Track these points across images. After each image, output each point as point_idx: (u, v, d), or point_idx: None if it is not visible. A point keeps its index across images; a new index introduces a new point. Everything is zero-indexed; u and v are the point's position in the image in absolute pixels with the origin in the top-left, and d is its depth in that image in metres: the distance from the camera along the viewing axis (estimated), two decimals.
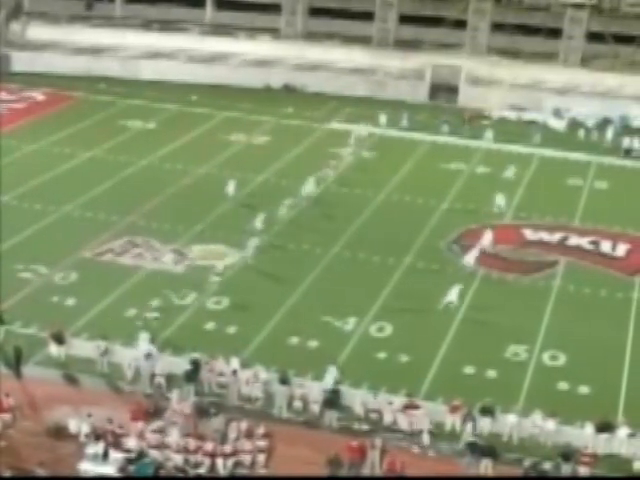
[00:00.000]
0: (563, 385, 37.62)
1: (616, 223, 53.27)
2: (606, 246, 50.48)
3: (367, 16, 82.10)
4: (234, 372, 35.65)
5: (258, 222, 49.30)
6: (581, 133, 69.19)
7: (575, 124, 70.66)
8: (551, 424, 34.02)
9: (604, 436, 33.72)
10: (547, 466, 31.98)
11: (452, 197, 56.04)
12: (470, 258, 47.47)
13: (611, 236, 51.54)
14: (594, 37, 78.39)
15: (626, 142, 66.91)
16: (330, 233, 50.03)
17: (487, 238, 49.65)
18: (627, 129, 69.29)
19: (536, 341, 40.81)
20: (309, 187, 54.93)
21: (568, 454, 32.40)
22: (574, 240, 50.96)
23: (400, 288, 44.84)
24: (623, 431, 33.94)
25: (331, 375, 35.91)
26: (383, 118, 68.87)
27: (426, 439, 33.62)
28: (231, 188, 53.77)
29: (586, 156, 64.47)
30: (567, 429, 34.01)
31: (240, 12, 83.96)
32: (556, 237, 51.12)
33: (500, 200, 54.27)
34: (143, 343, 37.16)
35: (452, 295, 43.44)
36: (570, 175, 60.76)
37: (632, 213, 55.30)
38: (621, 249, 50.27)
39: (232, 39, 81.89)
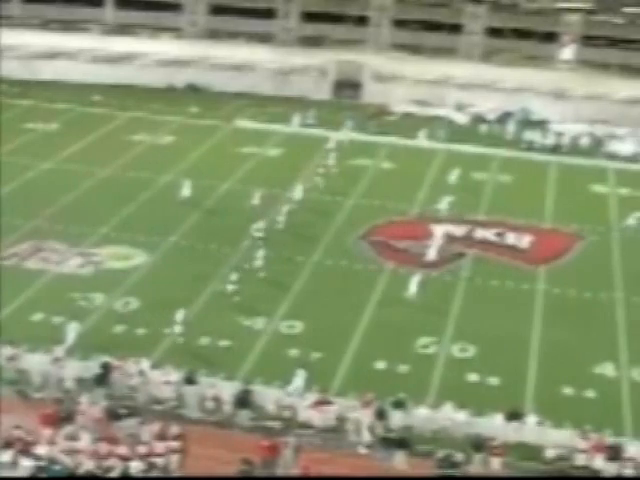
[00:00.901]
0: (473, 377, 38.08)
1: (520, 215, 54.14)
2: (511, 238, 51.28)
3: (269, 14, 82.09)
4: (142, 373, 35.33)
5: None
6: (483, 127, 70.22)
7: (477, 118, 71.70)
8: (462, 415, 34.41)
9: (514, 425, 34.27)
10: (459, 457, 32.29)
11: (358, 194, 56.31)
12: (432, 253, 47.94)
13: (516, 228, 52.35)
14: (494, 32, 79.48)
15: (527, 135, 68.12)
16: (237, 232, 49.82)
17: (439, 233, 50.12)
18: (528, 122, 70.44)
19: (445, 334, 41.25)
20: (216, 191, 54.34)
21: (479, 444, 32.83)
22: (480, 233, 51.63)
23: (310, 285, 44.89)
24: (532, 419, 34.56)
25: (300, 378, 35.80)
26: (288, 115, 68.95)
27: (366, 436, 33.68)
28: (186, 190, 53.23)
29: (489, 150, 65.39)
30: (478, 420, 34.41)
31: (141, 11, 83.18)
32: (462, 230, 51.72)
33: (444, 203, 54.31)
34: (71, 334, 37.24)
35: (412, 287, 43.97)
36: (474, 169, 61.52)
37: (535, 205, 56.32)
38: (525, 241, 51.12)
39: (134, 39, 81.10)
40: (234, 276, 43.85)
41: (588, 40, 77.95)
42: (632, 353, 40.40)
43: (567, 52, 77.87)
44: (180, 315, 39.80)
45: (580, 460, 32.95)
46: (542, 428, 34.25)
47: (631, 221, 53.59)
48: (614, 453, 32.77)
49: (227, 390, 34.98)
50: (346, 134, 66.45)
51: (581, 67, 77.40)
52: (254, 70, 77.53)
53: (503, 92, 73.68)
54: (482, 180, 60.19)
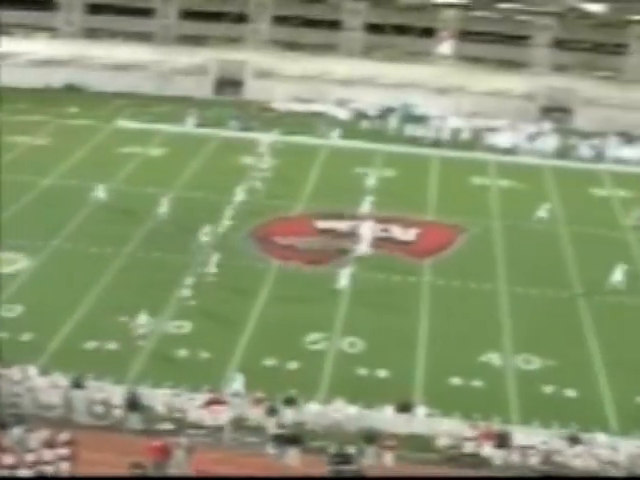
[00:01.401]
0: (362, 371, 38.36)
1: (405, 209, 54.70)
2: (397, 232, 51.77)
3: (148, 12, 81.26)
4: (28, 380, 34.66)
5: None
6: (365, 123, 70.77)
7: (359, 114, 72.23)
8: (353, 410, 34.66)
9: (404, 417, 34.65)
10: (351, 450, 32.48)
11: (242, 191, 56.12)
12: (363, 248, 48.18)
13: (401, 221, 52.87)
14: (373, 28, 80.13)
15: (409, 130, 68.92)
16: (121, 235, 49.19)
17: (368, 228, 50.45)
18: (409, 117, 71.24)
19: (334, 329, 41.45)
20: (100, 193, 53.47)
21: (371, 437, 33.10)
22: (365, 227, 51.98)
23: (197, 285, 44.59)
24: (421, 411, 34.99)
25: (239, 382, 35.69)
26: (171, 115, 68.41)
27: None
28: (101, 193, 52.19)
29: (372, 145, 65.95)
30: (369, 413, 34.68)
31: (16, 11, 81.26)
32: (347, 225, 52.02)
33: (365, 205, 54.31)
34: None
35: (343, 280, 44.29)
36: (358, 164, 61.95)
37: (419, 198, 57.01)
38: (411, 234, 51.68)
39: (8, 38, 79.18)
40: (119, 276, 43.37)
41: (465, 35, 79.12)
42: (516, 342, 41.23)
43: (445, 47, 78.95)
44: (143, 317, 39.85)
45: (469, 448, 33.51)
46: (432, 419, 34.72)
47: (542, 213, 54.54)
48: (502, 440, 33.41)
49: (116, 393, 34.54)
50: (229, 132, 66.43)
51: (459, 62, 78.53)
52: (134, 69, 76.59)
53: (384, 88, 74.34)
54: (366, 175, 60.58)
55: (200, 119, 68.50)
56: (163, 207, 51.42)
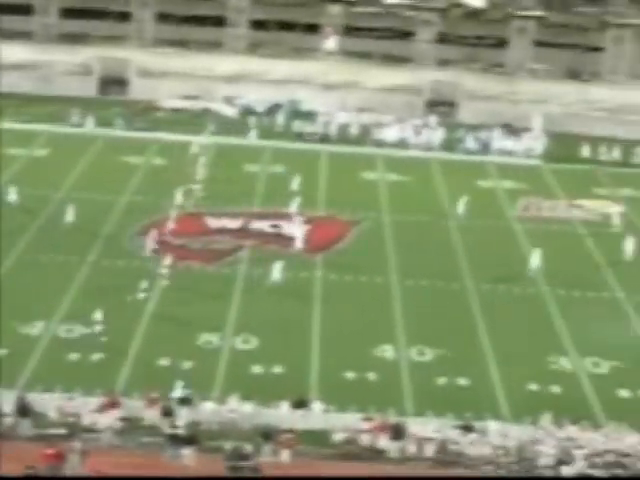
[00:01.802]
0: (257, 368, 38.24)
1: (294, 205, 54.71)
2: (287, 228, 51.77)
3: (27, 10, 79.43)
4: None
5: None
6: (253, 119, 70.57)
7: (247, 111, 72.01)
8: (248, 407, 34.54)
9: (300, 413, 34.67)
10: (248, 448, 32.36)
11: (131, 191, 55.53)
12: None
13: (291, 218, 52.86)
14: (258, 25, 79.91)
15: (297, 126, 68.99)
16: (15, 237, 48.13)
17: (297, 223, 51.02)
18: (297, 113, 71.33)
19: (227, 327, 41.24)
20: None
21: (267, 434, 33.01)
22: (256, 224, 51.91)
23: (88, 286, 43.89)
24: (317, 406, 35.05)
25: (180, 388, 35.21)
26: (53, 115, 67.19)
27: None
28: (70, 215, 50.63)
29: (260, 142, 65.80)
30: (264, 410, 34.59)
31: None
32: (238, 223, 51.82)
33: (293, 205, 53.99)
34: None
35: (276, 274, 44.91)
36: (247, 161, 61.73)
37: (310, 193, 56.96)
38: (301, 230, 51.71)
39: None
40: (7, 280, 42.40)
41: (350, 31, 79.47)
42: (409, 334, 41.59)
43: (330, 43, 79.14)
44: (99, 315, 39.69)
45: (365, 441, 33.68)
46: (328, 413, 34.81)
47: (461, 207, 55.09)
48: (397, 432, 33.65)
49: (6, 400, 33.74)
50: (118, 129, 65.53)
51: (345, 58, 78.84)
52: (13, 68, 74.73)
53: (271, 84, 74.28)
54: (255, 172, 60.48)
55: (84, 119, 67.37)
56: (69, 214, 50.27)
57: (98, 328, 39.81)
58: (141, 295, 42.91)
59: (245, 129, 67.79)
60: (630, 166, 65.69)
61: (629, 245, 50.66)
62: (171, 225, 50.17)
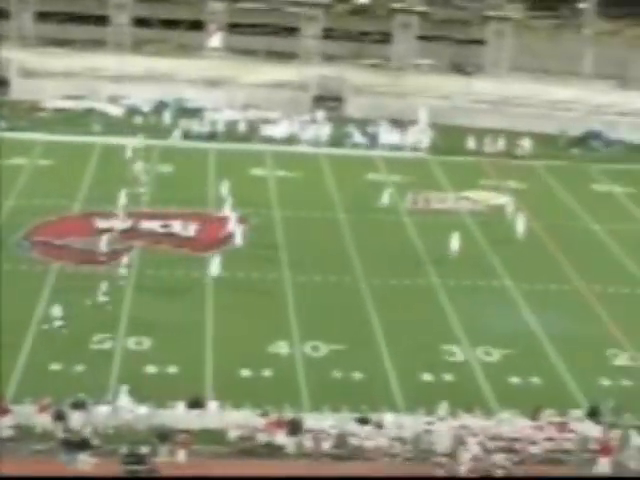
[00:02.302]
0: (151, 368, 37.85)
1: (184, 204, 54.36)
2: (177, 227, 51.39)
3: None
4: None
5: None
6: (139, 118, 69.81)
7: (132, 110, 71.19)
8: (143, 409, 34.20)
9: (196, 412, 34.46)
10: (144, 450, 32.02)
11: (16, 193, 54.40)
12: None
13: (180, 217, 52.50)
14: (141, 22, 79.00)
15: (184, 124, 68.47)
16: None
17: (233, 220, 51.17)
18: (183, 111, 70.79)
19: (119, 328, 40.70)
20: None
21: (163, 435, 32.73)
22: (146, 224, 51.39)
23: None
24: (213, 405, 34.87)
25: (124, 394, 34.68)
26: None
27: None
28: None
29: (148, 141, 65.05)
30: (160, 411, 34.28)
31: None
32: (128, 224, 51.19)
33: (226, 196, 54.01)
34: None
35: (214, 268, 45.18)
36: (136, 160, 60.92)
37: (197, 192, 56.68)
38: (191, 229, 51.40)
39: None
40: None
41: (234, 28, 79.17)
42: (303, 330, 41.67)
43: (214, 40, 78.75)
44: (57, 310, 40.17)
45: (262, 438, 33.65)
46: (224, 412, 34.67)
47: (385, 199, 55.35)
48: (293, 428, 33.71)
49: None
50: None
51: (230, 54, 78.53)
52: None
53: (156, 82, 73.44)
54: (145, 172, 59.77)
55: None
56: None
57: (58, 323, 40.02)
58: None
59: (131, 128, 66.96)
60: (514, 157, 66.91)
61: (520, 226, 52.00)
62: (58, 226, 49.27)
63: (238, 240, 49.95)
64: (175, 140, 66.00)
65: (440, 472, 32.41)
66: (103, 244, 47.61)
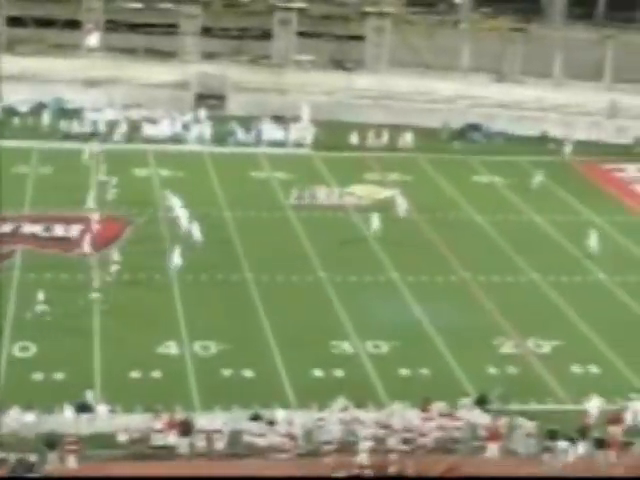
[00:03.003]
0: (37, 375, 37.11)
1: (65, 206, 53.42)
2: (59, 230, 50.54)
3: None
4: None
5: None
6: (16, 120, 68.30)
7: (9, 111, 69.58)
8: (30, 416, 33.50)
9: (85, 417, 33.92)
10: (33, 458, 31.39)
11: None
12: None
13: (63, 219, 51.60)
14: (15, 22, 77.13)
15: (63, 125, 67.30)
16: None
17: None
18: (63, 112, 69.53)
19: (4, 334, 39.77)
20: None
21: (52, 442, 32.14)
22: (27, 228, 50.39)
23: None
24: (103, 408, 34.35)
25: (90, 397, 34.31)
26: None
27: None
28: None
29: (26, 143, 63.70)
30: (48, 418, 33.65)
31: None
32: (8, 227, 50.11)
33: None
34: None
35: (176, 259, 46.03)
36: (13, 163, 59.59)
37: (76, 194, 55.51)
38: (74, 230, 50.55)
39: None
40: None
41: (112, 26, 78.03)
42: (192, 329, 41.37)
43: (92, 39, 77.42)
44: (41, 295, 41.44)
45: (155, 440, 33.31)
46: (114, 415, 34.23)
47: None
48: (185, 428, 33.46)
49: None
50: None
51: (108, 53, 77.35)
52: None
53: (33, 83, 71.87)
54: (23, 174, 58.58)
55: None
56: None
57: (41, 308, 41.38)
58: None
59: (9, 130, 65.49)
60: (397, 150, 67.59)
61: (375, 222, 52.43)
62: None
63: (197, 236, 49.62)
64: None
65: (341, 471, 32.48)
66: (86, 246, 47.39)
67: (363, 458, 32.58)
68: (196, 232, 49.96)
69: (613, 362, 40.96)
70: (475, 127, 72.47)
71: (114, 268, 45.69)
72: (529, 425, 34.93)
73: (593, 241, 51.72)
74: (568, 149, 69.48)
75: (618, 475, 33.61)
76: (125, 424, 33.58)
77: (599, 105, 74.91)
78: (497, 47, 76.44)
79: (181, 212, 52.29)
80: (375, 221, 52.56)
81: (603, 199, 61.48)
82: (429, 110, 73.26)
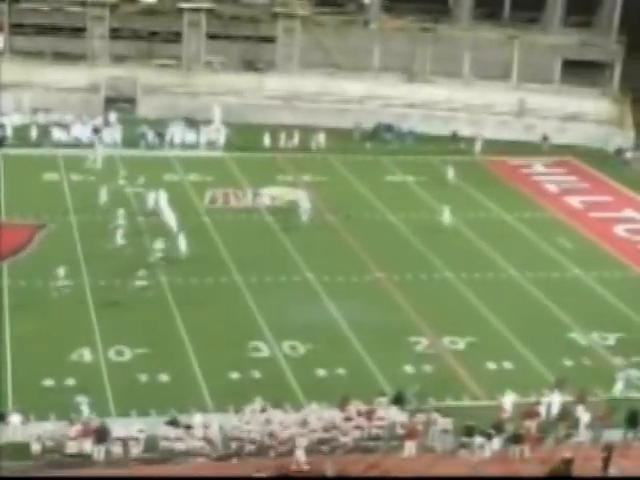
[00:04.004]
0: None
1: None
2: None
3: None
4: None
5: None
6: None
7: None
8: None
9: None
10: None
11: None
12: None
13: None
14: None
15: None
16: None
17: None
18: None
19: None
20: None
21: None
22: None
23: None
24: (16, 418, 33.71)
25: (84, 405, 33.85)
26: None
27: None
28: None
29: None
30: None
31: None
32: None
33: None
34: None
35: (182, 245, 48.22)
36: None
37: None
38: None
39: None
40: None
41: (17, 29, 76.72)
42: (106, 335, 40.86)
43: None
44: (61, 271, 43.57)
45: (70, 448, 32.87)
46: (28, 424, 33.63)
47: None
48: (100, 435, 33.05)
49: None
50: None
51: (14, 57, 76.05)
52: None
53: None
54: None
55: None
56: None
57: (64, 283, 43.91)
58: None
59: None
60: (308, 151, 67.71)
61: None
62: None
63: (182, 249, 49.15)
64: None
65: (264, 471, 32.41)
66: None
67: (300, 456, 32.65)
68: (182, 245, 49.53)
69: (526, 357, 41.54)
70: (387, 127, 72.95)
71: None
72: (445, 421, 35.25)
73: (446, 216, 54.90)
74: (478, 148, 70.38)
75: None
76: (39, 433, 33.04)
77: (507, 104, 76.04)
78: (407, 47, 77.03)
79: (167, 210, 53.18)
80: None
81: (513, 196, 62.38)
82: (340, 110, 73.63)
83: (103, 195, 54.94)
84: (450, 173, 63.05)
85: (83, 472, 32.06)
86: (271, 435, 33.98)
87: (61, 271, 44.25)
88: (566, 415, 36.48)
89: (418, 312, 44.98)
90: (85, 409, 34.44)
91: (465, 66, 77.38)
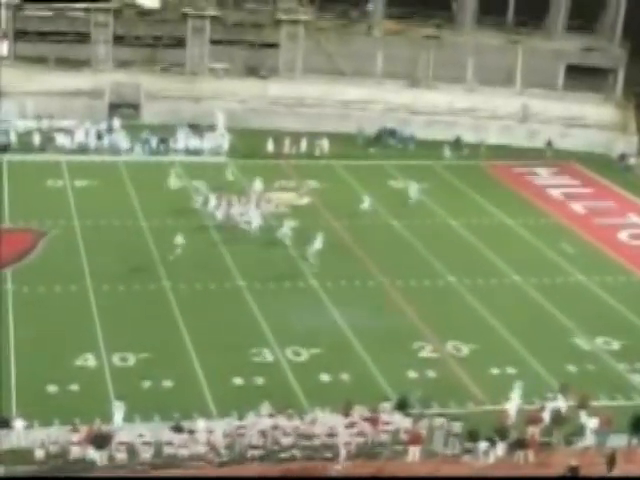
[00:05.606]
0: None
1: None
2: None
3: None
4: None
5: None
6: None
7: None
8: None
9: (1, 432, 33.29)
10: None
11: None
12: None
13: None
14: None
15: None
16: None
17: None
18: None
19: None
20: None
21: None
22: None
23: None
24: (19, 424, 33.74)
25: (119, 411, 34.07)
26: None
27: None
28: None
29: None
30: None
31: None
32: None
33: None
34: None
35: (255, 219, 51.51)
36: None
37: None
38: None
39: None
40: None
41: (21, 35, 76.83)
42: (110, 341, 40.89)
43: (0, 48, 76.20)
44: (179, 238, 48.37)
45: (74, 454, 32.91)
46: (32, 430, 33.65)
47: (285, 230, 53.30)
48: (103, 441, 33.09)
49: None
50: None
51: (18, 63, 76.16)
52: None
53: None
54: None
55: None
56: None
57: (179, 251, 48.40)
58: None
59: None
60: (313, 157, 67.71)
61: (317, 244, 51.00)
62: None
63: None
64: None
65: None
66: None
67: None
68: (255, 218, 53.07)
69: (530, 363, 41.54)
70: (390, 132, 72.97)
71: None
72: (455, 425, 35.22)
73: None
74: (481, 153, 70.36)
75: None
76: (43, 439, 33.07)
77: (511, 110, 76.05)
78: (410, 53, 77.04)
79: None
80: None
81: (516, 202, 62.35)
82: (343, 116, 73.62)
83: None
84: (413, 189, 61.22)
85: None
86: (274, 441, 34.04)
87: (179, 238, 49.21)
88: (562, 420, 36.41)
89: (421, 317, 44.99)
90: (118, 418, 34.46)
91: (468, 71, 77.37)
